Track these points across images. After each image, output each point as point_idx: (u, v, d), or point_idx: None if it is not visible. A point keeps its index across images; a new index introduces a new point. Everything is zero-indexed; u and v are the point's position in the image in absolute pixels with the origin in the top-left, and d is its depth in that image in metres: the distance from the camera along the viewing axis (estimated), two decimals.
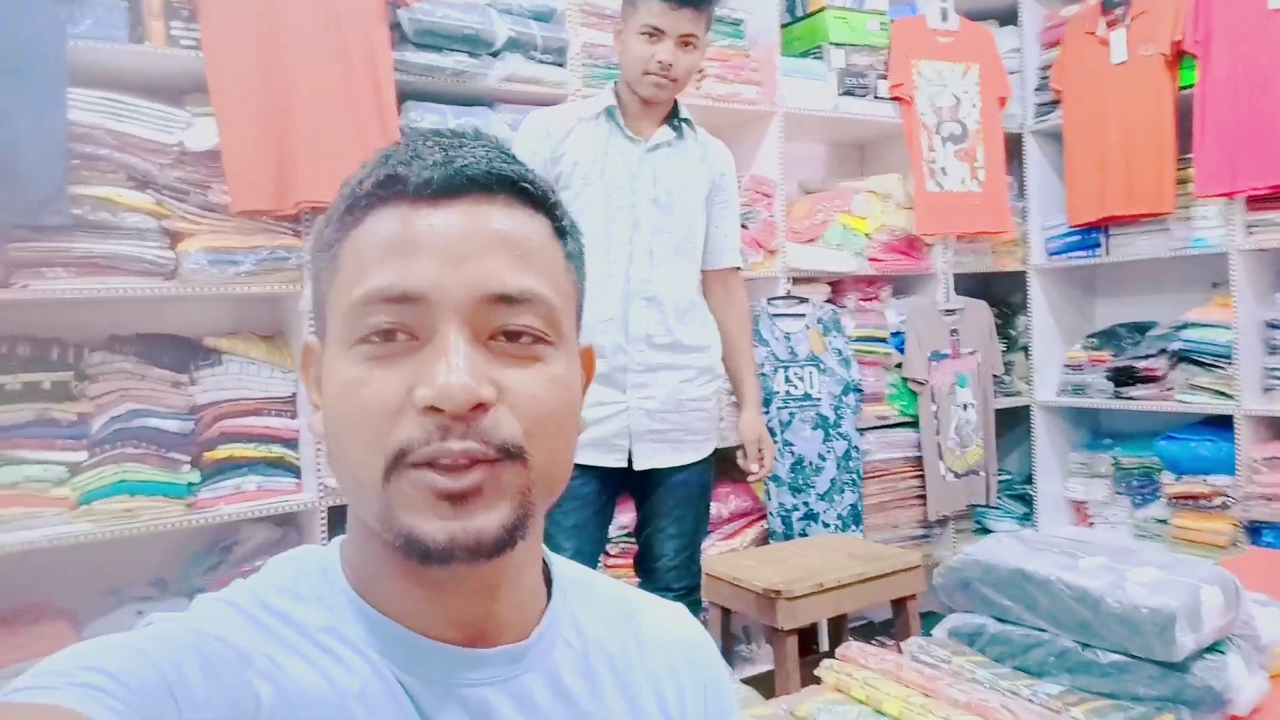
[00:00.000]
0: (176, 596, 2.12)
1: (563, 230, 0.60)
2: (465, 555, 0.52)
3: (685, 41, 1.88)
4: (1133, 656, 1.18)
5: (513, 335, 0.55)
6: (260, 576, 0.58)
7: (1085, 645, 1.22)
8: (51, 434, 1.95)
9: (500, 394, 0.53)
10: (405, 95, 2.30)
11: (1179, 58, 2.97)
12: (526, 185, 0.57)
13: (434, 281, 0.53)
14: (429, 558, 0.52)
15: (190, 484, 2.06)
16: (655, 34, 1.86)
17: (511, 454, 0.53)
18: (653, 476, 1.96)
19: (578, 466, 1.88)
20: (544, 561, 0.66)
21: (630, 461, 1.92)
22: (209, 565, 2.16)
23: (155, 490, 2.01)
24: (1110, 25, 3.15)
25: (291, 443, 2.20)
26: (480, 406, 0.52)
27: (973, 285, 3.50)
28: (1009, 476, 3.62)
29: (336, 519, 2.20)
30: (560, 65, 2.48)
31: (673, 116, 2.00)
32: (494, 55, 2.37)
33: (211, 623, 0.53)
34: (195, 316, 2.28)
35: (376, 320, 0.53)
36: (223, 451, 2.11)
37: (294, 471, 2.20)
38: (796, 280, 2.95)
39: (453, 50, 2.31)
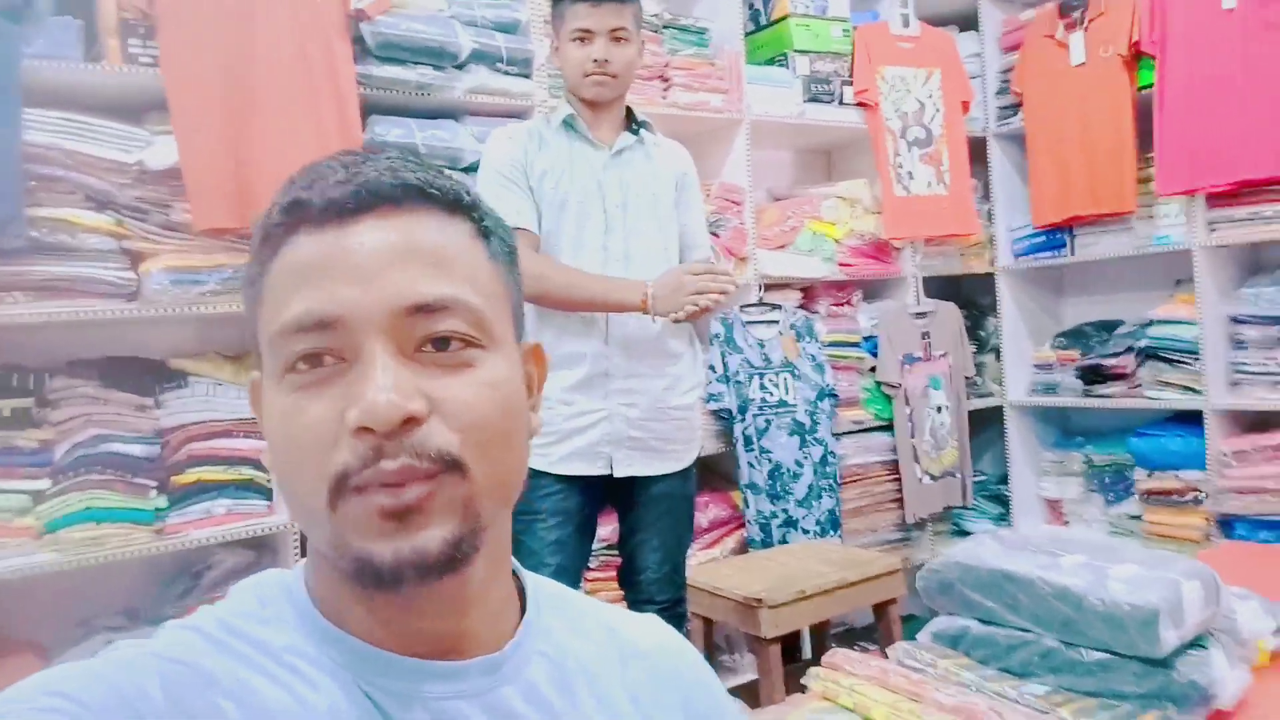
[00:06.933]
0: (147, 625, 2.07)
1: (486, 230, 0.59)
2: (414, 574, 0.51)
3: (616, 37, 1.90)
4: (1117, 654, 1.18)
5: (440, 343, 0.54)
6: (225, 603, 0.58)
7: (1069, 644, 1.22)
8: (13, 462, 1.89)
9: (432, 405, 0.52)
10: (370, 109, 2.27)
11: (1137, 58, 3.01)
12: (434, 190, 0.56)
13: (349, 302, 0.52)
14: (381, 580, 0.51)
15: (158, 509, 2.02)
16: (586, 36, 1.89)
17: (448, 465, 0.52)
18: (635, 487, 1.95)
19: (559, 479, 1.86)
20: (516, 575, 0.65)
21: (612, 471, 1.91)
22: (180, 592, 2.11)
23: (122, 517, 1.96)
24: (1069, 28, 3.19)
25: (262, 464, 2.16)
26: (411, 420, 0.51)
27: (942, 288, 3.52)
28: (984, 477, 3.64)
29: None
30: (526, 76, 2.47)
31: (630, 122, 2.01)
32: (459, 67, 2.35)
33: (175, 647, 0.52)
34: (159, 338, 2.23)
35: (299, 348, 0.53)
36: (191, 475, 2.06)
37: (265, 494, 2.16)
38: (768, 287, 2.95)
39: (417, 63, 2.29)
